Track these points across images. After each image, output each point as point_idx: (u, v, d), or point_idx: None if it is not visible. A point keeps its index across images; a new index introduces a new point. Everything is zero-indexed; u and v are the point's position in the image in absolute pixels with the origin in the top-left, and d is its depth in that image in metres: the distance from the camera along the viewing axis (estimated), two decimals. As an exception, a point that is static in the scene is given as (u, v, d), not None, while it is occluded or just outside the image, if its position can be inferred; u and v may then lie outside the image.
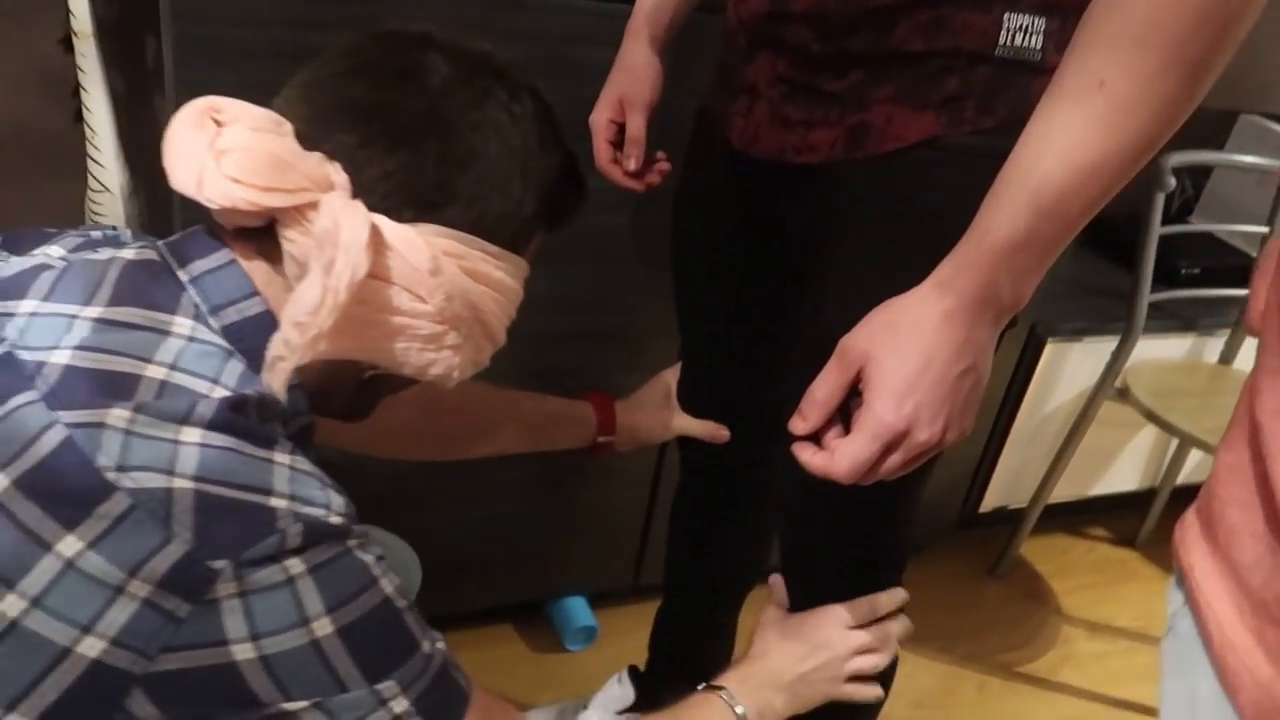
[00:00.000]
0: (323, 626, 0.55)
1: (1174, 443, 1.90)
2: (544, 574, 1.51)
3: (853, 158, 0.82)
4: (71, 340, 0.56)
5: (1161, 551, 2.02)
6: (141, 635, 0.51)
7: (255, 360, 0.59)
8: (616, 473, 1.45)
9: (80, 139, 1.19)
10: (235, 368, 0.58)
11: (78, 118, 1.18)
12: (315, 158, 0.62)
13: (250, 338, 0.60)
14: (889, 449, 0.66)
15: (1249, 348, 1.79)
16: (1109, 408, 1.69)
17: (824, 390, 0.67)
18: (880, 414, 0.65)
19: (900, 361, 0.65)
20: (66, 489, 0.52)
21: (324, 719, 0.56)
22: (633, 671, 1.36)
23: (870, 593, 0.97)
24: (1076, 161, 0.59)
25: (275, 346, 0.58)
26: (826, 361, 0.68)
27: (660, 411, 1.12)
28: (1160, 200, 1.56)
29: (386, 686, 0.57)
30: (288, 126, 0.64)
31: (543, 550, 1.49)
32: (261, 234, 0.63)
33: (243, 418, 0.56)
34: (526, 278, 0.72)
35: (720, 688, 0.86)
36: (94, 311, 0.58)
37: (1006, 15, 0.75)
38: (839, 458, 0.66)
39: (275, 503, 0.55)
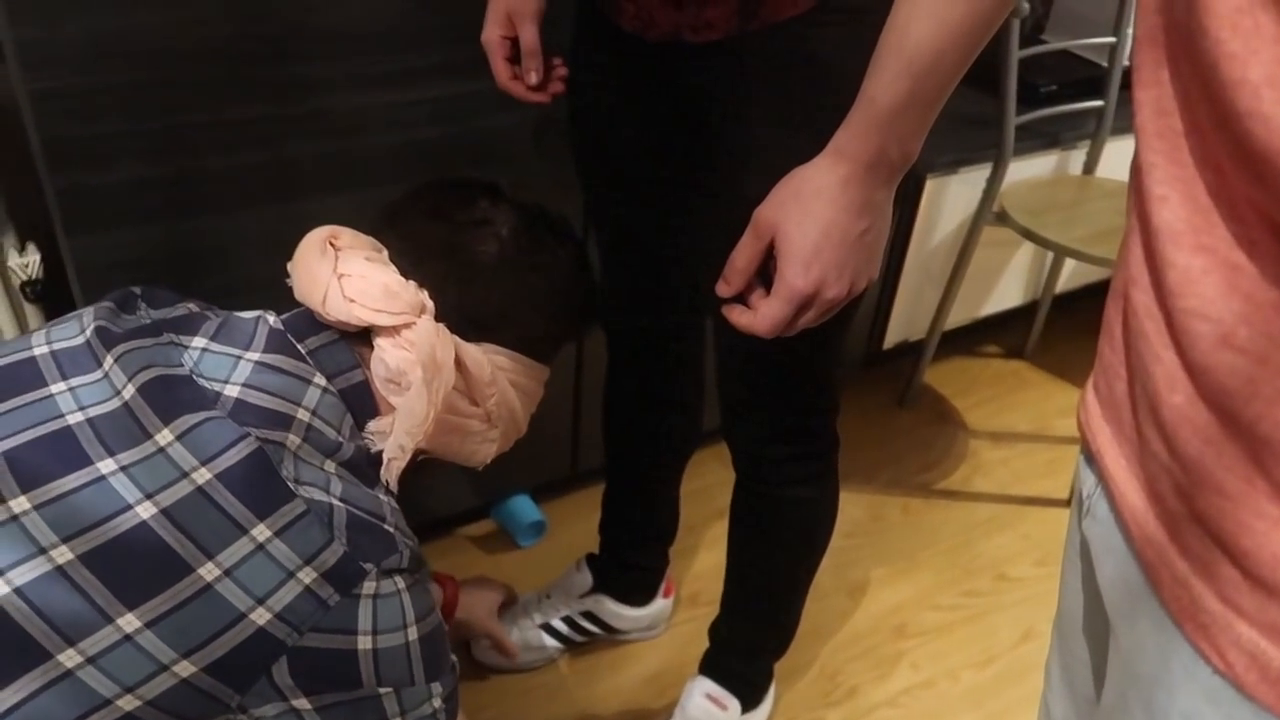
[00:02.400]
0: (413, 632, 0.69)
1: (1050, 255, 2.03)
2: (484, 477, 1.54)
3: (748, 31, 0.83)
4: (239, 377, 0.70)
5: (1047, 358, 2.17)
6: (298, 613, 0.63)
7: (358, 418, 0.76)
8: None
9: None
10: (349, 421, 0.75)
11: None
12: (412, 286, 0.78)
13: (354, 400, 0.76)
14: (803, 308, 0.72)
15: (1109, 155, 1.90)
16: (989, 232, 1.78)
17: (742, 258, 0.73)
18: (791, 280, 0.70)
19: (805, 230, 0.70)
20: (259, 487, 0.64)
21: (396, 702, 0.69)
22: (589, 558, 1.42)
23: (809, 437, 1.05)
24: (944, 23, 0.64)
25: (391, 450, 0.74)
26: (747, 226, 0.73)
27: (487, 620, 1.29)
28: (1015, 25, 1.62)
29: (434, 686, 0.71)
30: (385, 252, 0.81)
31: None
32: (356, 334, 0.79)
33: (363, 463, 0.73)
34: (546, 380, 0.92)
35: None
36: (254, 356, 0.73)
37: None
38: (759, 318, 0.72)
39: (389, 529, 0.69)
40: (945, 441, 1.93)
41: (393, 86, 1.12)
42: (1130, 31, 1.84)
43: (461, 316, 0.81)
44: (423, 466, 0.86)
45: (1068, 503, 1.78)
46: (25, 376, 0.68)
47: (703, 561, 1.59)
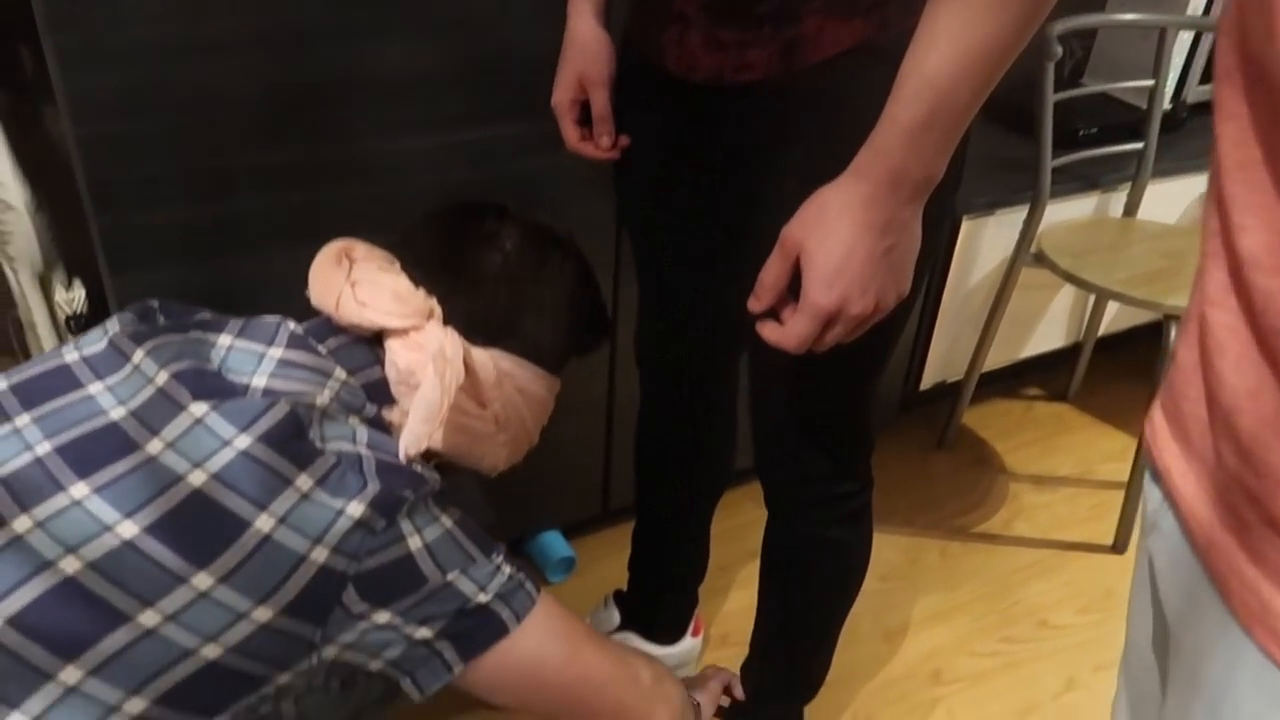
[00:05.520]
0: (447, 520, 0.75)
1: (1092, 297, 2.00)
2: (516, 513, 1.56)
3: (789, 71, 0.85)
4: (265, 370, 0.75)
5: (1091, 402, 2.13)
6: (352, 543, 0.69)
7: (379, 405, 0.80)
8: (572, 404, 1.49)
9: (-29, 160, 1.15)
10: (371, 409, 0.79)
11: (-36, 138, 1.14)
12: (421, 293, 0.83)
13: (374, 395, 0.80)
14: (829, 324, 0.73)
15: (1150, 199, 1.87)
16: (1028, 273, 1.77)
17: (770, 276, 0.75)
18: (815, 298, 0.72)
19: (828, 249, 0.71)
20: (293, 446, 0.70)
21: (470, 583, 0.75)
22: (617, 595, 1.42)
23: (843, 477, 1.04)
24: (964, 46, 0.65)
25: (407, 440, 0.76)
26: None
27: None
28: (1050, 69, 1.61)
29: (495, 558, 0.78)
30: (398, 264, 0.86)
31: (511, 490, 1.52)
32: (371, 340, 0.83)
33: (383, 423, 0.79)
34: (558, 393, 0.95)
35: None
36: (277, 352, 0.78)
37: None
38: (786, 333, 0.74)
39: (418, 469, 0.75)
40: (985, 484, 1.89)
41: (429, 131, 1.15)
42: (1169, 75, 1.83)
43: (469, 323, 0.85)
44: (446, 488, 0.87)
45: (1113, 548, 1.74)
46: (61, 382, 0.73)
47: (734, 601, 1.58)
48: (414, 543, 0.72)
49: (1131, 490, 1.71)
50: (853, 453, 1.04)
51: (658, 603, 1.39)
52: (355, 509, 0.69)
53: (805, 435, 1.00)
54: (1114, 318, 2.05)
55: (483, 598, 0.75)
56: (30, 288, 1.16)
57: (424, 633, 0.73)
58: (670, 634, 1.40)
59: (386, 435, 0.77)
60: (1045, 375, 2.18)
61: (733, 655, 1.28)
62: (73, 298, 1.10)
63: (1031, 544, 1.75)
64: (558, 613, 0.81)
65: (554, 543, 1.59)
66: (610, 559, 1.51)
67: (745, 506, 1.65)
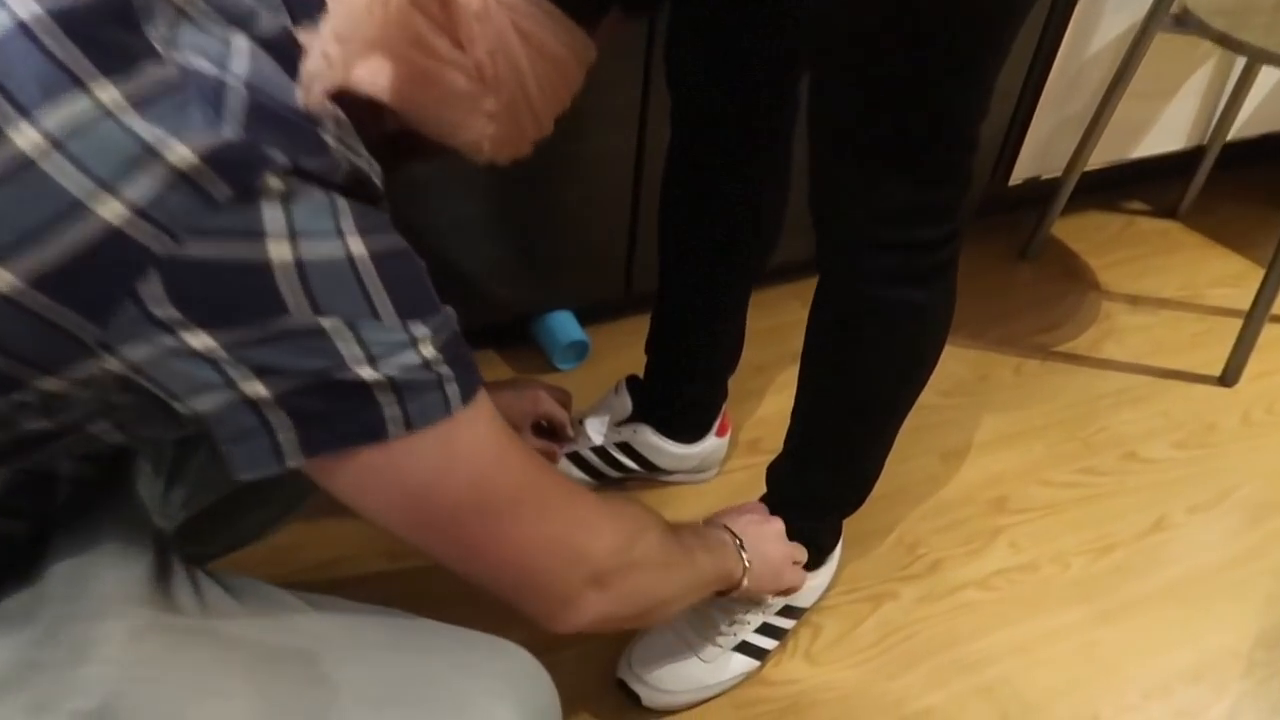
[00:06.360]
0: (357, 244, 0.51)
1: (1228, 92, 1.67)
2: (524, 287, 1.33)
3: None
4: None
5: (1205, 221, 1.83)
6: (171, 212, 0.46)
7: (297, 21, 0.53)
8: (595, 166, 1.24)
9: None
10: (274, 22, 0.52)
11: None
12: None
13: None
14: None
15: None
16: (1158, 48, 1.44)
17: None
18: None
19: None
20: (109, 38, 0.46)
21: (355, 343, 0.51)
22: (631, 381, 1.20)
23: (926, 221, 0.79)
24: None
25: (310, 64, 0.53)
26: None
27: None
28: None
29: (415, 327, 0.53)
30: None
31: (520, 259, 1.30)
32: None
33: (295, 52, 0.52)
34: (591, 65, 0.64)
35: (736, 534, 0.90)
36: None
37: None
38: None
39: (325, 136, 0.51)
40: (1073, 300, 1.63)
41: None
42: None
43: None
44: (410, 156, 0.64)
45: (1220, 380, 1.48)
46: None
47: (769, 405, 1.36)
48: (278, 251, 0.48)
49: (1253, 317, 1.44)
50: (945, 183, 0.78)
51: (679, 393, 1.17)
52: (181, 153, 0.46)
53: (884, 151, 0.75)
54: (1251, 116, 1.72)
55: (365, 374, 0.51)
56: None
57: (256, 389, 0.49)
58: (692, 431, 1.19)
59: (286, 75, 0.51)
60: (1152, 188, 1.87)
61: (763, 463, 1.07)
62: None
63: (1122, 368, 1.50)
64: (487, 443, 0.56)
65: (565, 324, 1.37)
66: (629, 350, 1.29)
67: (789, 306, 1.42)
